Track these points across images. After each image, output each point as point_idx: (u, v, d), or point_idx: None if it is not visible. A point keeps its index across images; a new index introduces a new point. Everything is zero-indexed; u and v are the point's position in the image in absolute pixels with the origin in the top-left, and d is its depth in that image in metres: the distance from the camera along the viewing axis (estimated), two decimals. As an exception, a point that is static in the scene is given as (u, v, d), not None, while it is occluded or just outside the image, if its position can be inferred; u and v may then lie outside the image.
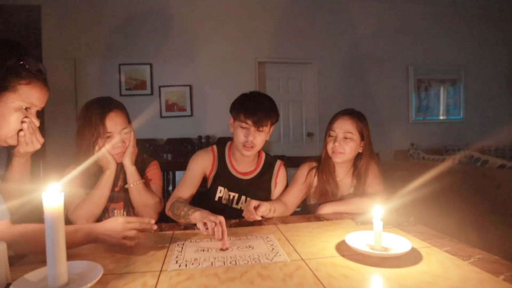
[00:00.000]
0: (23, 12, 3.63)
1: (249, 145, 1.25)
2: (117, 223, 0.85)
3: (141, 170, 1.29)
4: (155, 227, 0.91)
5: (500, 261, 0.75)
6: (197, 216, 1.00)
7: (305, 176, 1.35)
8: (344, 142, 1.28)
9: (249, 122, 1.23)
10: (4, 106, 0.84)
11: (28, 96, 0.86)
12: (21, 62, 0.84)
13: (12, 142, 0.90)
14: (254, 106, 1.23)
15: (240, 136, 1.26)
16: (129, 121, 1.24)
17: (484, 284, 0.64)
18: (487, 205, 1.99)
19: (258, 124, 1.23)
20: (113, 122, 1.16)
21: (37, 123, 0.91)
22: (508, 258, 0.75)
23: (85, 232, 0.85)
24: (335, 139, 1.29)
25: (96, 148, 1.16)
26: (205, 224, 0.93)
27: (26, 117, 0.89)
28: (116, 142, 1.16)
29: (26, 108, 0.88)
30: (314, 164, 1.37)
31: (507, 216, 1.84)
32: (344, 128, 1.28)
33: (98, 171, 1.20)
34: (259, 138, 1.26)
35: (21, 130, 0.90)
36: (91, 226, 0.87)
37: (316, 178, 1.36)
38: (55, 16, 3.48)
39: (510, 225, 1.78)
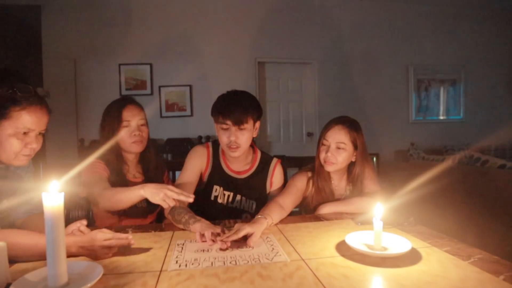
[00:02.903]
0: (23, 12, 3.63)
1: (234, 146, 1.24)
2: (96, 246, 0.81)
3: (159, 173, 1.43)
4: (133, 242, 0.85)
5: (500, 261, 0.75)
6: (198, 227, 1.00)
7: (301, 187, 1.32)
8: (337, 152, 1.25)
9: (229, 122, 1.22)
10: (0, 133, 0.86)
11: (23, 122, 0.87)
12: (12, 90, 0.86)
13: (18, 163, 0.92)
14: (231, 105, 1.22)
15: (223, 138, 1.25)
16: (146, 122, 1.37)
17: (484, 284, 0.64)
18: (487, 205, 1.99)
19: (238, 123, 1.21)
20: (130, 113, 1.30)
21: (35, 146, 0.92)
22: (508, 258, 0.75)
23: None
24: (327, 149, 1.27)
25: (117, 135, 1.28)
26: (202, 235, 0.93)
27: None
28: (133, 130, 1.29)
29: (24, 133, 0.89)
30: (309, 174, 1.35)
31: (507, 216, 1.84)
32: (337, 138, 1.26)
33: (116, 159, 1.31)
34: (243, 137, 1.24)
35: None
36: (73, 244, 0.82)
37: (312, 188, 1.34)
38: (55, 16, 3.48)
39: (510, 225, 1.79)
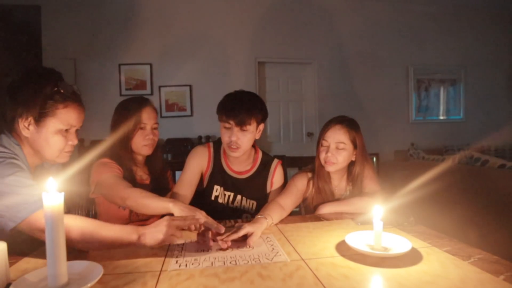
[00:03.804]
0: (23, 12, 3.62)
1: (234, 146, 1.24)
2: (163, 225, 0.83)
3: (164, 174, 1.44)
4: (203, 220, 0.89)
5: (500, 261, 0.75)
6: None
7: (301, 187, 1.32)
8: (337, 152, 1.26)
9: (231, 122, 1.22)
10: (46, 130, 0.91)
11: (66, 119, 0.93)
12: (56, 88, 0.91)
13: (60, 160, 0.98)
14: (235, 106, 1.22)
15: (224, 137, 1.25)
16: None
17: (484, 284, 0.64)
18: (487, 205, 1.99)
19: (240, 124, 1.21)
20: (148, 116, 1.30)
21: (75, 142, 0.98)
22: (508, 258, 0.75)
23: (129, 232, 0.83)
24: (327, 149, 1.27)
25: (132, 139, 1.28)
26: (203, 236, 0.92)
27: None
28: (147, 134, 1.30)
29: (66, 130, 0.94)
30: (309, 175, 1.35)
31: (507, 216, 1.84)
32: (337, 138, 1.26)
33: (129, 159, 1.29)
34: (244, 138, 1.24)
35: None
36: (134, 229, 0.84)
37: (312, 189, 1.34)
38: (55, 16, 3.48)
39: (510, 225, 1.79)
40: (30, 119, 0.90)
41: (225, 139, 1.25)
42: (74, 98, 0.95)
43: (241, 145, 1.24)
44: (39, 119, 0.90)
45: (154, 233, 0.81)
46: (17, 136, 0.93)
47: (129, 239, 0.81)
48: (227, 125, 1.24)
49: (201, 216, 0.93)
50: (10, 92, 0.91)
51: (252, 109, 1.23)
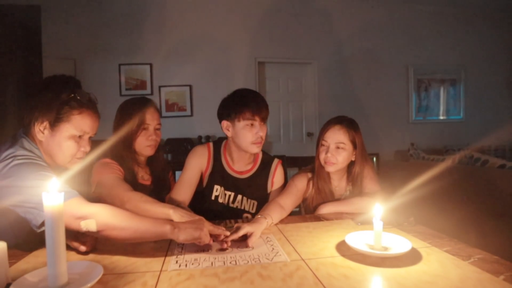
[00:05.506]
0: (23, 12, 3.62)
1: (259, 141, 1.26)
2: (201, 224, 0.86)
3: (166, 174, 1.44)
4: (227, 233, 0.92)
5: (500, 261, 0.75)
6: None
7: (301, 187, 1.33)
8: (336, 152, 1.26)
9: (257, 118, 1.24)
10: (60, 135, 0.93)
11: (81, 125, 0.95)
12: (73, 95, 0.94)
13: (71, 166, 0.99)
14: (259, 102, 1.26)
15: (248, 135, 1.24)
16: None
17: (484, 284, 0.64)
18: (487, 205, 1.99)
19: (264, 120, 1.27)
20: (152, 116, 1.31)
21: (88, 149, 1.00)
22: (508, 258, 0.75)
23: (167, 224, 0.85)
24: (327, 149, 1.27)
25: (136, 139, 1.28)
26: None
27: None
28: (150, 134, 1.30)
29: (79, 136, 0.96)
30: (309, 175, 1.35)
31: (507, 216, 1.84)
32: (336, 138, 1.26)
33: (131, 159, 1.29)
34: (264, 132, 1.28)
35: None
36: (167, 221, 0.87)
37: (312, 189, 1.34)
38: (55, 16, 3.47)
39: (510, 225, 1.79)
40: (46, 123, 0.92)
41: (249, 137, 1.25)
42: (89, 105, 0.98)
43: (263, 138, 1.28)
44: (54, 123, 0.92)
45: (190, 230, 0.84)
46: (33, 139, 0.95)
47: (162, 230, 0.83)
48: (253, 122, 1.24)
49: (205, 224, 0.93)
50: (29, 96, 0.94)
51: (267, 105, 1.29)
